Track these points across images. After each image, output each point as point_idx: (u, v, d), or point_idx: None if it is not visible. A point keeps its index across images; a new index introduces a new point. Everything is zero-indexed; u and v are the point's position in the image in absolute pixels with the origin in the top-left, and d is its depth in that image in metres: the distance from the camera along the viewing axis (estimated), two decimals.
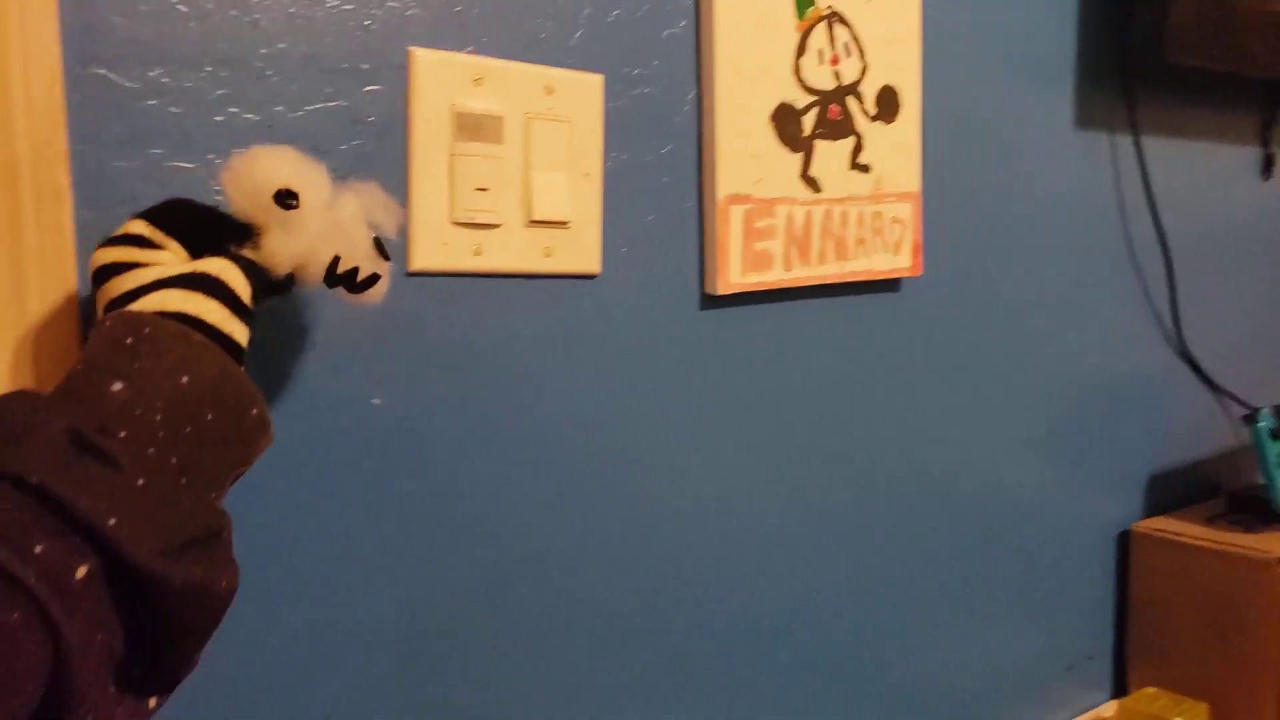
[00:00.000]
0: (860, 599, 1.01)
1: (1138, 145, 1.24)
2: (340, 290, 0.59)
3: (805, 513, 0.95)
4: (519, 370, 0.76)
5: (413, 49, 0.69)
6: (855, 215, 0.94)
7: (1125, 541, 1.28)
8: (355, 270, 0.58)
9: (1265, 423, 1.23)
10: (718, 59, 0.83)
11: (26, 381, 0.56)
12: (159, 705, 0.47)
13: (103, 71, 0.58)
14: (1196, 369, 1.38)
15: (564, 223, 0.76)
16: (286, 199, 0.55)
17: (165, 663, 0.46)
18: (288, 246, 0.55)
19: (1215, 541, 1.20)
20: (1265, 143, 1.49)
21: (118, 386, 0.46)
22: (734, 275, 0.86)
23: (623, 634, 0.83)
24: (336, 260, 0.57)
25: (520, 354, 0.76)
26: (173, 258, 0.54)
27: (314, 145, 0.66)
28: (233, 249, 0.55)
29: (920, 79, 0.97)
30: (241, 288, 0.53)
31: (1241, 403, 1.42)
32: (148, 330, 0.48)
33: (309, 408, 0.67)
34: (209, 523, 0.47)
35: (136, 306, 0.50)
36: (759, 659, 0.93)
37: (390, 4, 0.68)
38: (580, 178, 0.76)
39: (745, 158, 0.86)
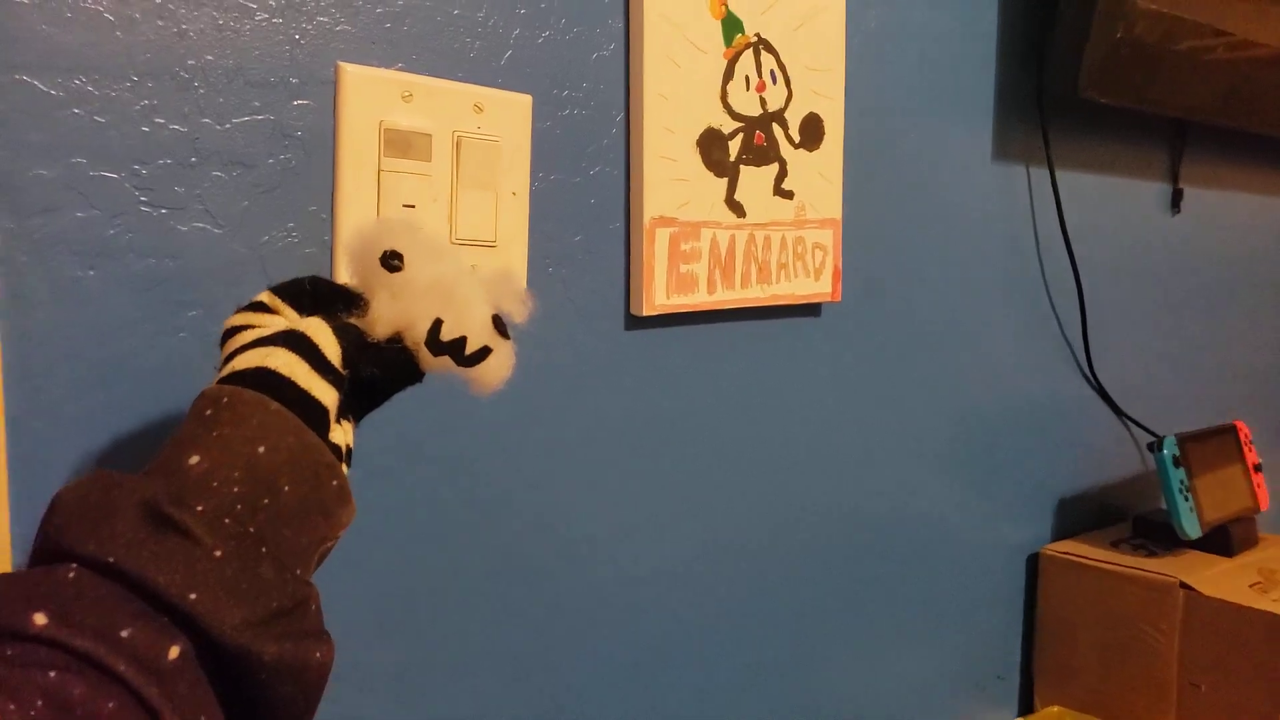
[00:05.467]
0: (773, 622, 1.03)
1: (1053, 178, 1.29)
2: (450, 364, 0.56)
3: (721, 535, 0.97)
4: (443, 387, 0.77)
5: (341, 64, 0.69)
6: (778, 240, 0.96)
7: (1035, 563, 1.32)
8: (463, 340, 0.55)
9: (1169, 450, 1.28)
10: (646, 83, 0.85)
11: None
12: None
13: (25, 78, 0.58)
14: (1105, 396, 1.43)
15: (490, 242, 0.76)
16: (390, 259, 0.55)
17: None
18: (389, 308, 0.54)
19: (1119, 564, 1.24)
20: (1174, 179, 1.55)
21: (195, 459, 0.45)
22: (659, 297, 0.87)
23: (520, 666, 0.84)
24: (439, 325, 0.54)
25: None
26: (283, 322, 0.53)
27: (240, 159, 0.66)
28: (339, 314, 0.55)
29: (843, 108, 1.00)
30: (328, 345, 0.52)
31: (1148, 430, 1.47)
32: (226, 400, 0.47)
33: None
34: (294, 592, 0.45)
35: (230, 366, 0.50)
36: (673, 681, 0.94)
37: (320, 19, 0.69)
38: (508, 197, 0.77)
39: (672, 181, 0.87)
